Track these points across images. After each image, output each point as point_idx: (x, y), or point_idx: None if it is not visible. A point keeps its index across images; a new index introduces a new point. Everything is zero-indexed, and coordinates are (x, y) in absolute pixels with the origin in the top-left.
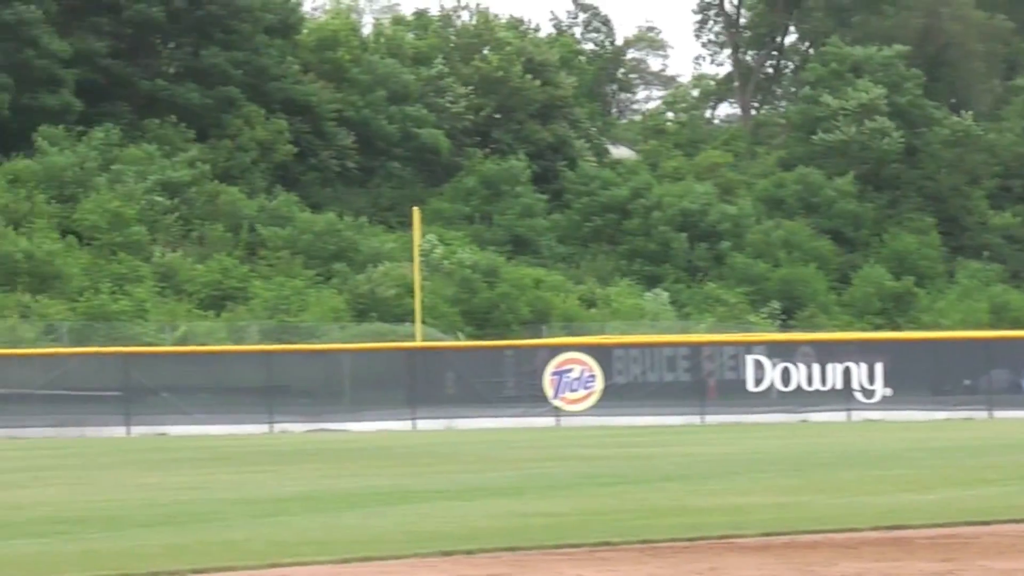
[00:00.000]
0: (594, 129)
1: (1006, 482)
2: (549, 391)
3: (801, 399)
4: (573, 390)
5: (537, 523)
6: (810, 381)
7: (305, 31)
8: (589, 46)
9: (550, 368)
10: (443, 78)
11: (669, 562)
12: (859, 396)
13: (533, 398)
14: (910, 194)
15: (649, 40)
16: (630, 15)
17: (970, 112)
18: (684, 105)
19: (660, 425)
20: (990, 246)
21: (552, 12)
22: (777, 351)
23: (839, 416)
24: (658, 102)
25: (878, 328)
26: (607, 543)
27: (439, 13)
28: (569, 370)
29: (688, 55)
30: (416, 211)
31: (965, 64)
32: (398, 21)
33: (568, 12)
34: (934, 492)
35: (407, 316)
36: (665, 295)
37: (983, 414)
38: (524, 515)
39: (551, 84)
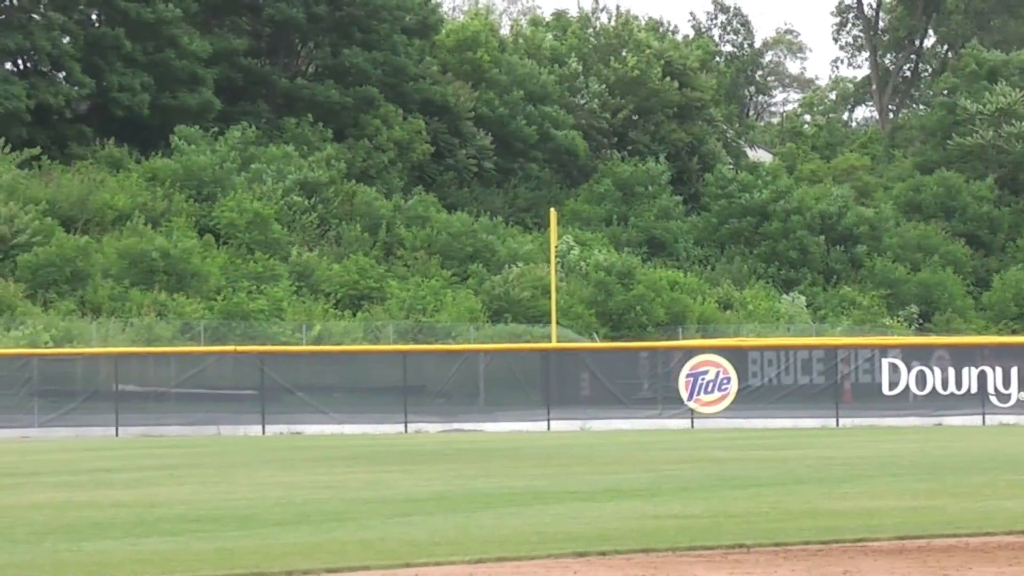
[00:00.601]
0: (731, 132)
1: None
2: (684, 393)
3: (936, 403)
4: (708, 392)
5: (671, 525)
6: (945, 385)
7: (444, 32)
8: (727, 48)
9: (685, 370)
10: (578, 77)
11: (803, 565)
12: (994, 400)
13: (668, 400)
14: None
15: (787, 42)
16: (768, 18)
17: None
18: (821, 108)
19: (795, 428)
20: None
21: (691, 14)
22: (912, 354)
23: (974, 420)
24: (795, 105)
25: (1015, 333)
26: (741, 545)
27: (578, 15)
28: (704, 372)
29: (826, 58)
30: (553, 212)
31: None
32: (536, 22)
33: (707, 13)
34: None
35: (542, 317)
36: (802, 298)
37: None
38: (658, 517)
39: (689, 86)
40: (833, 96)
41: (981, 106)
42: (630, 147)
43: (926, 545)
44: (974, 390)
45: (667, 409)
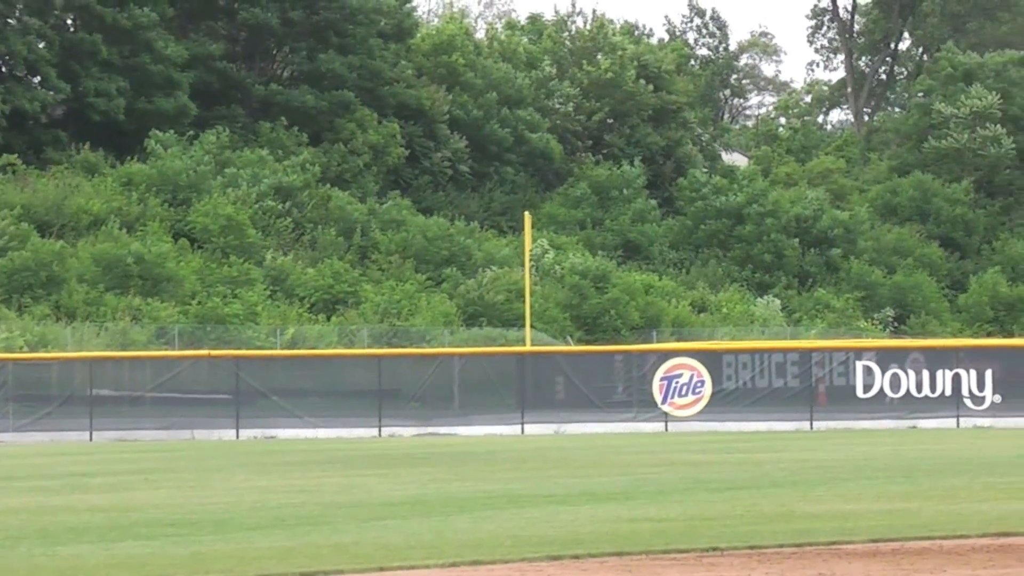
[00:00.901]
0: (706, 135)
1: None
2: (658, 396)
3: (911, 405)
4: (682, 395)
5: (645, 528)
6: (920, 387)
7: (419, 36)
8: (702, 51)
9: (659, 373)
10: (552, 80)
11: (777, 568)
12: (969, 403)
13: (642, 403)
14: (1023, 201)
15: (762, 45)
16: (744, 20)
17: None
18: (797, 111)
19: (769, 431)
20: None
21: (666, 17)
22: (887, 357)
23: (948, 423)
24: (770, 108)
25: (990, 335)
26: (715, 548)
27: (553, 18)
28: (678, 375)
29: (801, 60)
30: (527, 216)
31: None
32: (511, 26)
33: (683, 16)
34: None
35: (517, 321)
36: (776, 301)
37: None
38: (632, 520)
39: (664, 89)
40: (808, 99)
41: (956, 109)
42: (605, 151)
43: (900, 548)
44: (948, 393)
45: (641, 412)
